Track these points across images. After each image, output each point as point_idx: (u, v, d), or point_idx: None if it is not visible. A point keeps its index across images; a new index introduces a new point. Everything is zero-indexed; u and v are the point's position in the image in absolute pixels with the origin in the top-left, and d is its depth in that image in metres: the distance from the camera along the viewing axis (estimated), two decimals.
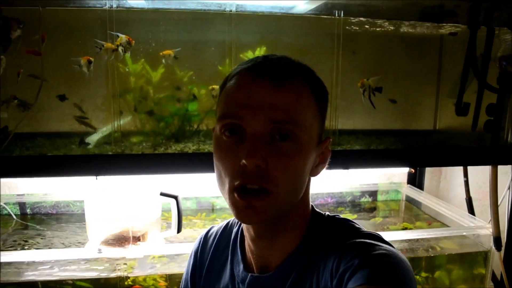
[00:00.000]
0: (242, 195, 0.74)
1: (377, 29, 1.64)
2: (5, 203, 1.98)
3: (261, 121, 0.73)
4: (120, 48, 1.37)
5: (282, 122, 0.74)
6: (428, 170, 2.39)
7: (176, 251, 1.54)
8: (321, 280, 0.78)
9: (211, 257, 1.00)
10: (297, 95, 0.77)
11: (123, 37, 1.36)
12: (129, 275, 1.49)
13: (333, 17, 1.49)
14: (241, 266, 0.91)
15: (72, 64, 1.35)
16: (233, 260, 0.94)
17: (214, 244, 1.01)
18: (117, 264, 1.48)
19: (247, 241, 0.90)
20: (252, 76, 0.76)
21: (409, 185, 2.37)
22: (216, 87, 1.46)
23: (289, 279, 0.83)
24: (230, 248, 0.97)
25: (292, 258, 0.84)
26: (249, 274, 0.88)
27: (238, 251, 0.94)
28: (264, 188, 0.73)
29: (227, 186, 0.76)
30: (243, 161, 0.72)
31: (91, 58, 1.35)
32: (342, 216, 0.91)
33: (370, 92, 1.54)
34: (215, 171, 0.80)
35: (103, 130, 1.47)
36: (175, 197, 1.53)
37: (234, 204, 0.76)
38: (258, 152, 0.72)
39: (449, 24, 1.69)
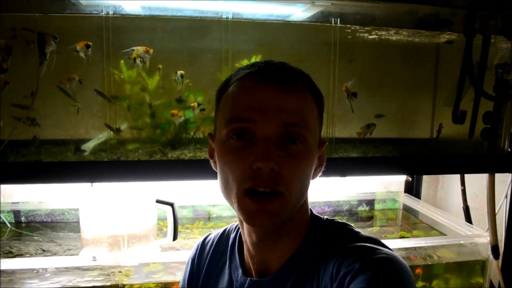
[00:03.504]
0: (255, 199, 0.73)
1: (374, 37, 1.65)
2: None
3: (273, 124, 0.74)
4: (138, 60, 1.38)
5: (293, 125, 0.75)
6: (425, 179, 2.39)
7: (173, 259, 1.53)
8: (321, 284, 0.78)
9: (208, 264, 1.00)
10: (303, 99, 0.78)
11: (139, 49, 1.38)
12: (124, 283, 1.48)
13: (329, 25, 1.49)
14: (240, 271, 0.90)
15: (70, 51, 1.35)
16: (231, 266, 0.94)
17: (211, 251, 1.01)
18: (111, 272, 1.47)
19: (247, 246, 0.89)
20: (259, 80, 0.77)
21: (406, 194, 2.37)
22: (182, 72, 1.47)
23: (289, 283, 0.82)
24: (228, 253, 0.96)
25: (292, 262, 0.84)
26: (248, 278, 0.87)
27: (236, 257, 0.93)
28: (276, 190, 0.74)
29: (235, 190, 0.76)
30: (258, 164, 0.72)
31: (89, 43, 1.35)
32: None
33: (350, 95, 1.55)
34: (220, 176, 0.80)
35: (99, 137, 1.47)
36: (171, 204, 1.53)
37: (244, 208, 0.75)
38: (272, 156, 0.73)
39: (445, 32, 1.69)
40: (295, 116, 0.76)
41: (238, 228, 0.97)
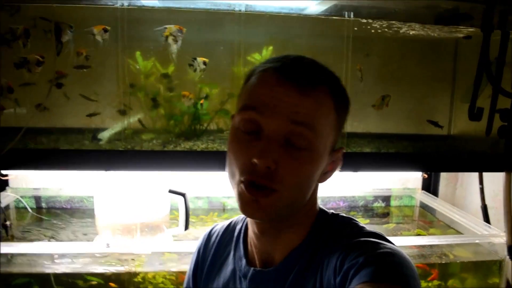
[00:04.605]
0: (249, 188, 0.75)
1: (391, 31, 1.63)
2: (21, 196, 2.04)
3: (280, 120, 0.74)
4: (170, 38, 1.38)
5: (300, 123, 0.75)
6: (444, 177, 2.35)
7: (185, 248, 1.55)
8: (324, 277, 0.78)
9: (213, 254, 1.01)
10: (320, 104, 0.77)
11: (172, 27, 1.37)
12: (138, 271, 1.51)
13: (342, 18, 1.49)
14: (244, 261, 0.91)
15: (86, 34, 1.38)
16: (236, 255, 0.95)
17: (217, 241, 1.03)
18: (124, 259, 1.50)
19: (251, 236, 0.91)
20: (279, 77, 0.76)
21: (423, 191, 2.33)
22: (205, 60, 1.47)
23: (292, 274, 0.83)
24: (233, 244, 0.97)
25: (296, 253, 0.84)
26: (252, 268, 0.88)
27: (241, 247, 0.94)
28: (270, 186, 0.74)
29: (236, 178, 0.77)
30: (254, 160, 0.73)
31: (107, 27, 1.37)
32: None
33: (362, 76, 1.54)
34: (227, 160, 0.81)
35: (114, 127, 1.50)
36: (183, 195, 1.55)
37: (240, 196, 0.77)
38: (270, 154, 0.73)
39: (463, 27, 1.66)
40: (305, 117, 0.75)
41: (244, 220, 0.98)
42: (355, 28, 1.51)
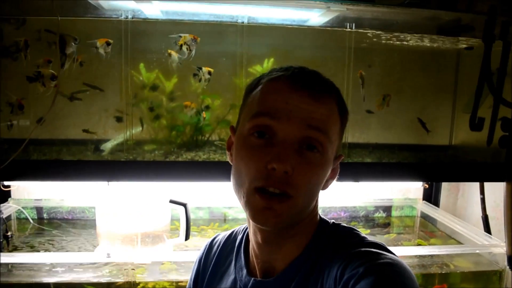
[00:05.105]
0: (264, 197, 0.75)
1: (393, 42, 1.64)
2: (23, 207, 2.04)
3: (295, 127, 0.76)
4: (184, 47, 1.39)
5: (315, 128, 0.76)
6: (445, 187, 2.35)
7: (185, 258, 1.55)
8: (324, 287, 0.78)
9: (214, 264, 1.01)
10: (330, 110, 0.80)
11: (186, 36, 1.39)
12: (138, 280, 1.51)
13: (344, 29, 1.50)
14: (244, 271, 0.91)
15: (89, 46, 1.39)
16: (237, 266, 0.95)
17: (218, 251, 1.02)
18: (125, 269, 1.50)
19: (252, 246, 0.90)
20: (291, 84, 0.78)
21: (424, 201, 2.33)
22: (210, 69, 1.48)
23: (292, 284, 0.83)
24: (234, 254, 0.97)
25: (296, 263, 0.84)
26: (252, 278, 0.88)
27: (242, 257, 0.94)
28: (285, 192, 0.75)
29: (246, 186, 0.77)
30: (273, 165, 0.74)
31: (109, 40, 1.38)
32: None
33: (363, 82, 1.55)
34: (234, 170, 0.82)
35: (117, 138, 1.51)
36: (184, 205, 1.55)
37: (252, 204, 0.77)
38: (288, 158, 0.74)
39: (465, 38, 1.67)
40: (318, 124, 0.77)
41: (246, 230, 0.98)
42: (359, 40, 1.52)
